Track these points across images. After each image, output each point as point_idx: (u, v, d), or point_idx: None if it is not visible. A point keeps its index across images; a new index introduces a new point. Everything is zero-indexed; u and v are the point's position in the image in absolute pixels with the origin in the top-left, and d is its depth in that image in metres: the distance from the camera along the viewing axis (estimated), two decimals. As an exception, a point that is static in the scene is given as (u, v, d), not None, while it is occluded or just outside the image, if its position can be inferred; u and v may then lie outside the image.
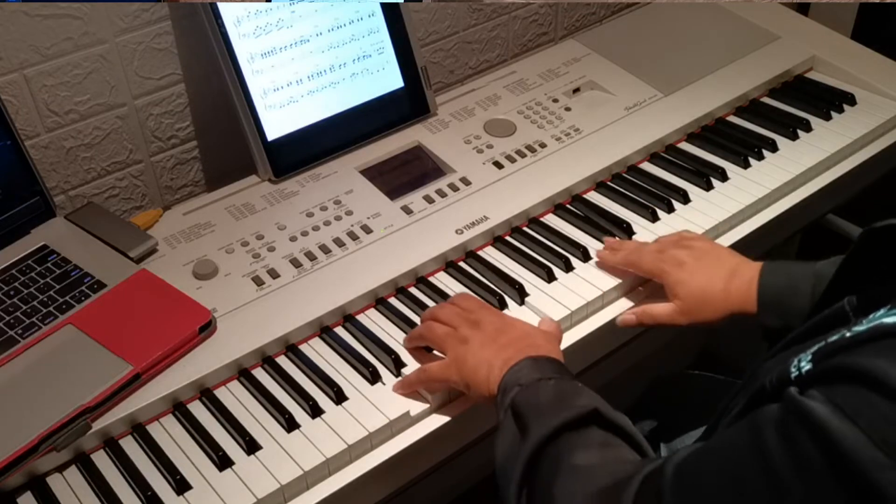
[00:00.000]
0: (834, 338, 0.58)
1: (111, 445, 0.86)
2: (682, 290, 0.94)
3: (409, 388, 0.89)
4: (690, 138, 1.24)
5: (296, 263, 1.02)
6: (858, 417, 0.50)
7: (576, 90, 1.28)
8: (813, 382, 0.55)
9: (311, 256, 1.02)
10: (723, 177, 1.15)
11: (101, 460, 0.85)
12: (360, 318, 0.99)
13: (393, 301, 1.00)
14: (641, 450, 0.72)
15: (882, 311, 0.56)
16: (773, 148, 1.20)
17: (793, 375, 0.58)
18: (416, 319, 0.97)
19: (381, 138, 1.19)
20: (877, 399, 0.50)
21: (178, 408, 0.90)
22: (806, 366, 0.58)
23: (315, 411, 0.88)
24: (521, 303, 0.99)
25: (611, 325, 0.99)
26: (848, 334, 0.56)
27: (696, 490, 0.59)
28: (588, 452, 0.69)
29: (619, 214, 1.10)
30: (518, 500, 0.70)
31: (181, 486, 0.82)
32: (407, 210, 1.09)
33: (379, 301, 1.00)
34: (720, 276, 0.93)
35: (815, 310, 0.73)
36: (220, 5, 1.06)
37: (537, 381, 0.77)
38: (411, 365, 0.92)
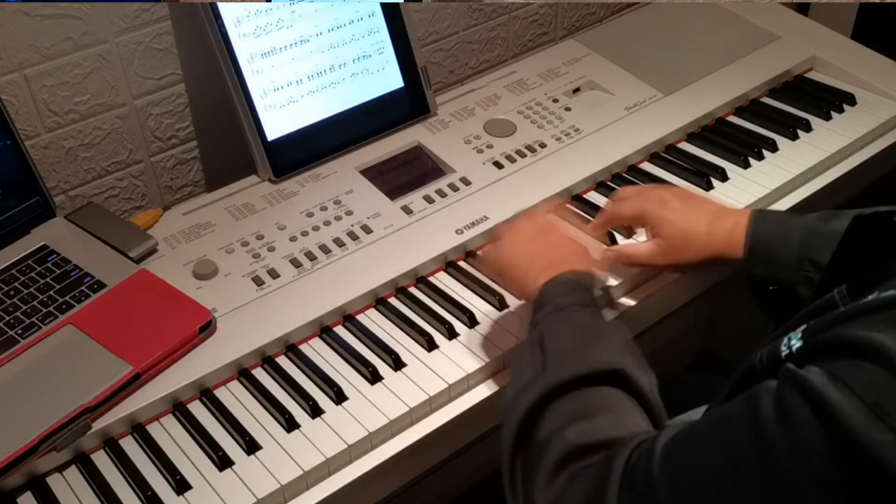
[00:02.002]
0: (828, 315, 0.58)
1: (111, 445, 0.86)
2: (665, 228, 0.93)
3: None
4: (690, 138, 1.24)
5: (296, 263, 1.02)
6: (854, 384, 0.50)
7: (576, 90, 1.28)
8: (807, 358, 0.55)
9: (311, 256, 1.02)
10: (723, 177, 1.15)
11: (101, 460, 0.85)
12: (360, 318, 0.99)
13: (393, 301, 1.00)
14: (655, 419, 0.70)
15: (871, 297, 0.57)
16: (773, 148, 1.20)
17: (783, 354, 0.59)
18: (417, 319, 0.97)
19: (381, 138, 1.19)
20: (873, 368, 0.50)
21: (178, 408, 0.90)
22: (796, 343, 0.58)
23: (315, 411, 0.88)
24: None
25: (611, 325, 0.99)
26: (837, 312, 0.57)
27: (686, 465, 0.59)
28: (595, 420, 0.67)
29: (619, 214, 1.10)
30: (518, 433, 0.70)
31: (181, 486, 0.82)
32: (407, 210, 1.09)
33: (379, 301, 1.00)
34: (704, 218, 0.93)
35: (809, 301, 0.73)
36: (220, 5, 1.06)
37: (572, 306, 0.76)
38: (411, 365, 0.92)
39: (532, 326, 0.77)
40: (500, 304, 0.98)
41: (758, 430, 0.54)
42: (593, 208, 1.11)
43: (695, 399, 1.06)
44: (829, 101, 1.27)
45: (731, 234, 0.91)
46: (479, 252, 0.96)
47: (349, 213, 1.08)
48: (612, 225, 1.02)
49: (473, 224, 1.07)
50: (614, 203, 1.00)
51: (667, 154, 1.21)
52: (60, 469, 0.85)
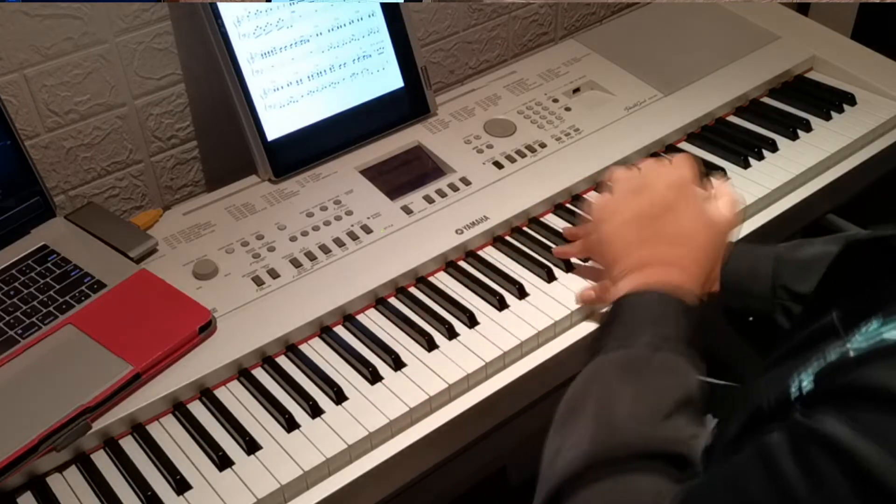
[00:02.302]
0: (834, 357, 0.55)
1: (111, 445, 0.86)
2: None
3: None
4: (690, 138, 1.24)
5: (296, 263, 1.02)
6: (881, 437, 0.48)
7: (576, 90, 1.28)
8: (821, 403, 0.53)
9: (311, 256, 1.02)
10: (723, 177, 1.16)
11: (101, 460, 0.85)
12: (360, 318, 0.99)
13: (393, 301, 1.00)
14: None
15: (875, 324, 0.55)
16: (773, 148, 1.20)
17: (793, 396, 0.56)
18: (417, 319, 0.97)
19: (381, 138, 1.19)
20: None
21: (178, 408, 0.90)
22: (808, 386, 0.55)
23: (315, 411, 0.88)
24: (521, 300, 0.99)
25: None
26: (852, 353, 0.53)
27: None
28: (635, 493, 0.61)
29: (619, 214, 1.10)
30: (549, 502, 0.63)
31: (181, 486, 0.82)
32: (407, 210, 1.09)
33: (379, 301, 1.00)
34: None
35: (800, 323, 0.70)
36: (220, 5, 1.06)
37: (644, 347, 0.68)
38: (411, 365, 0.92)
39: (594, 349, 0.69)
40: (500, 304, 0.98)
41: (781, 492, 0.51)
42: (593, 208, 1.11)
43: None
44: (829, 101, 1.27)
45: None
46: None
47: (349, 213, 1.08)
48: (586, 255, 0.98)
49: (473, 224, 1.07)
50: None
51: (667, 154, 1.21)
52: (60, 469, 0.85)
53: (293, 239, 1.05)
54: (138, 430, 0.88)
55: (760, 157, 1.19)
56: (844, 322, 0.61)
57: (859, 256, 0.65)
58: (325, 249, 1.03)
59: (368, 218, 1.07)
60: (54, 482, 0.83)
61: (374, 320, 0.98)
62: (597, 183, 1.15)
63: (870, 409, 0.49)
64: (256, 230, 1.06)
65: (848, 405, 0.51)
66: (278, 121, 1.12)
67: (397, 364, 0.92)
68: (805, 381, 0.55)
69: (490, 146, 1.18)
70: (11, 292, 0.95)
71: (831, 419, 0.50)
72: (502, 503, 1.40)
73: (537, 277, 1.02)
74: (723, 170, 1.16)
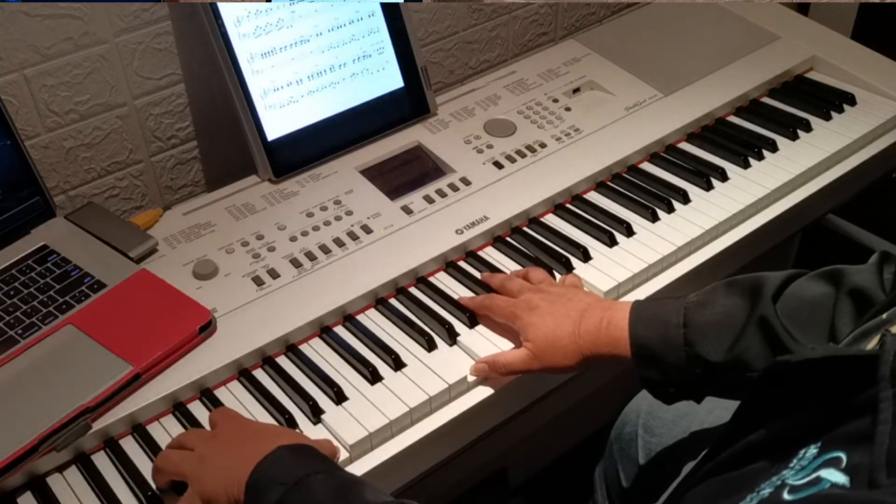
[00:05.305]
0: (767, 492, 0.50)
1: (111, 445, 0.86)
2: (532, 332, 0.89)
3: None
4: (690, 138, 1.24)
5: (296, 263, 1.02)
6: None
7: (576, 90, 1.28)
8: None
9: (311, 256, 1.02)
10: (723, 177, 1.15)
11: (101, 460, 0.85)
12: (360, 318, 0.99)
13: (393, 301, 1.00)
14: None
15: (812, 450, 0.50)
16: (773, 148, 1.20)
17: None
18: (417, 319, 0.97)
19: (381, 138, 1.19)
20: None
21: (178, 408, 0.90)
22: None
23: (315, 411, 0.88)
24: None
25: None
26: (787, 496, 0.48)
27: None
28: None
29: (619, 214, 1.10)
30: None
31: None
32: (407, 210, 1.09)
33: (379, 301, 1.00)
34: (571, 318, 0.89)
35: (730, 435, 0.64)
36: (220, 5, 1.06)
37: (305, 476, 0.68)
38: (411, 365, 0.92)
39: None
40: (500, 304, 0.98)
41: None
42: (593, 208, 1.11)
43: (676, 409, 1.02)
44: (829, 101, 1.27)
45: (598, 331, 0.87)
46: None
47: (349, 213, 1.08)
48: (484, 313, 0.97)
49: (473, 224, 1.07)
50: (489, 298, 0.96)
51: (667, 154, 1.21)
52: (60, 469, 0.85)
53: (293, 239, 1.05)
54: (138, 430, 0.88)
55: (760, 157, 1.19)
56: (777, 444, 0.58)
57: (785, 377, 0.60)
58: (325, 249, 1.03)
59: (368, 218, 1.07)
60: (54, 482, 0.83)
61: (374, 320, 0.98)
62: (596, 183, 1.16)
63: None
64: (256, 230, 1.06)
65: None
66: (278, 121, 1.12)
67: (397, 364, 0.92)
68: None
69: (490, 146, 1.18)
70: (11, 292, 0.95)
71: None
72: (502, 503, 1.40)
73: (537, 277, 1.02)
74: (723, 170, 1.16)
